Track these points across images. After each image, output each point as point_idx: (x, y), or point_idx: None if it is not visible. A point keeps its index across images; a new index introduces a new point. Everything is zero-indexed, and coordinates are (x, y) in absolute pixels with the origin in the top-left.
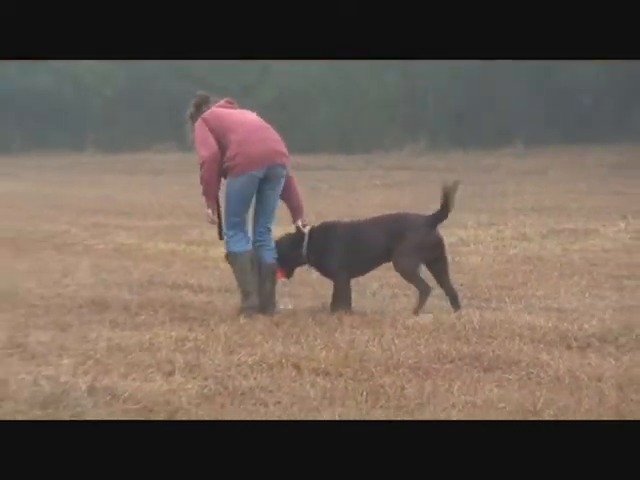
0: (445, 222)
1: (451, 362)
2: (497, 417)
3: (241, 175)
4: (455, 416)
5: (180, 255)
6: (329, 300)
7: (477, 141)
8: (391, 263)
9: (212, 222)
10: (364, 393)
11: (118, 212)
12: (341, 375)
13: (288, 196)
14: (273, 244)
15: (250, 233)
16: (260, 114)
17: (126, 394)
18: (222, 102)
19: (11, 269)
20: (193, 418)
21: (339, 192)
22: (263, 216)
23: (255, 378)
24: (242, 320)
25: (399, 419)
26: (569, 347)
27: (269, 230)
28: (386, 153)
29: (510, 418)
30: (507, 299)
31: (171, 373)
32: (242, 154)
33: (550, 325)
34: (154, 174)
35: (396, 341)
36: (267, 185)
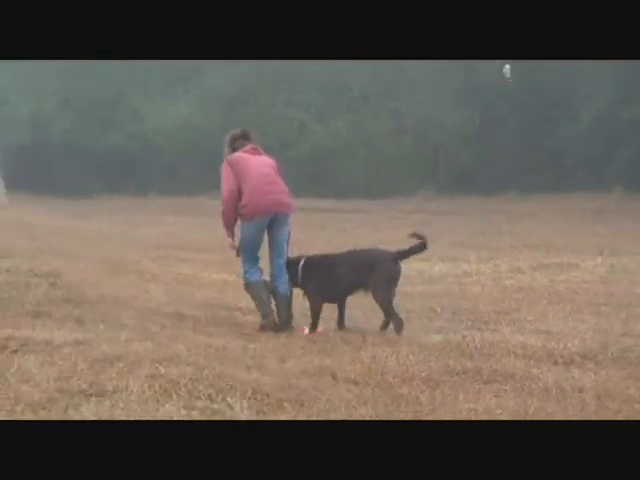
0: (454, 256)
1: (457, 375)
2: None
3: (251, 221)
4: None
5: (231, 284)
6: (355, 323)
7: (478, 189)
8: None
9: (232, 247)
10: (387, 399)
11: (178, 247)
12: (367, 384)
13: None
14: (286, 276)
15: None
16: (297, 166)
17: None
18: (248, 148)
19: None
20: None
21: (364, 230)
22: (274, 253)
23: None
24: (284, 338)
25: (416, 419)
26: (555, 363)
27: (280, 264)
28: (405, 198)
29: None
30: (503, 322)
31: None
32: (252, 204)
33: (539, 344)
34: (208, 216)
35: (410, 357)
36: (274, 228)
